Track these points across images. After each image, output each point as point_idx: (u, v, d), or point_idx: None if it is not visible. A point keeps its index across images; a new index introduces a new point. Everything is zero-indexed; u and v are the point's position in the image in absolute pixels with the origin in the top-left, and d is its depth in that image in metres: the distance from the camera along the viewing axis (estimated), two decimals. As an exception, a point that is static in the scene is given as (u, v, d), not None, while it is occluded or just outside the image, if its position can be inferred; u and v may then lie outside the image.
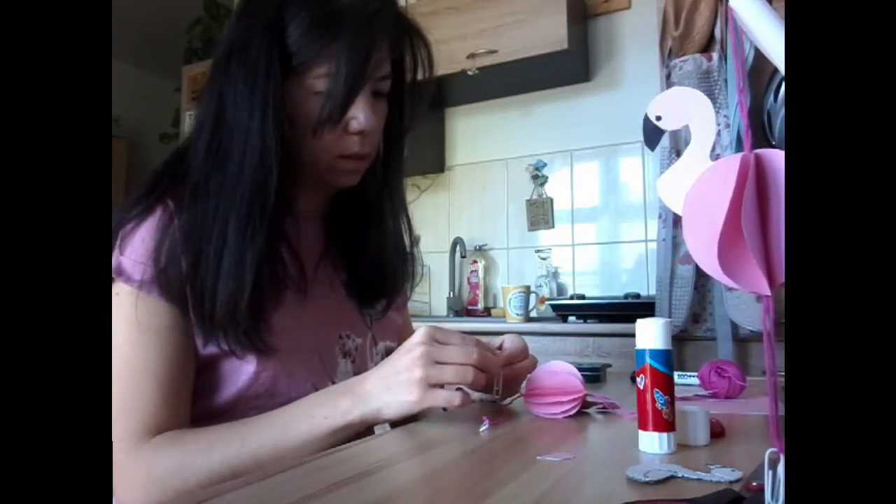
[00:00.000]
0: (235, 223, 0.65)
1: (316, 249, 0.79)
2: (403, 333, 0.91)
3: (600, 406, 0.71)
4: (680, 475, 0.45)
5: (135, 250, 0.64)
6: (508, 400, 0.76)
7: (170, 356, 0.64)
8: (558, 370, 0.70)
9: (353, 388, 0.64)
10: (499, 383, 0.70)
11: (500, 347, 0.74)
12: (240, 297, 0.64)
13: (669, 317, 1.71)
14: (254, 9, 0.69)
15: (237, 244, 0.65)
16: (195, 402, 0.68)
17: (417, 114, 0.81)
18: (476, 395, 0.80)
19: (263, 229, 0.66)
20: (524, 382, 0.73)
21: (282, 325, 0.69)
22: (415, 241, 0.87)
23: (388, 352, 0.82)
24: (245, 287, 0.64)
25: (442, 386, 0.62)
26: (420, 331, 0.64)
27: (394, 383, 0.62)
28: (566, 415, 0.68)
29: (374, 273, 0.82)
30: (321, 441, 0.61)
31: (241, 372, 0.68)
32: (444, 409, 0.79)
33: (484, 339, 0.74)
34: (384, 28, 0.70)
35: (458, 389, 0.63)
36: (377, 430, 0.81)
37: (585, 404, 0.71)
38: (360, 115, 0.70)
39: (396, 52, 0.75)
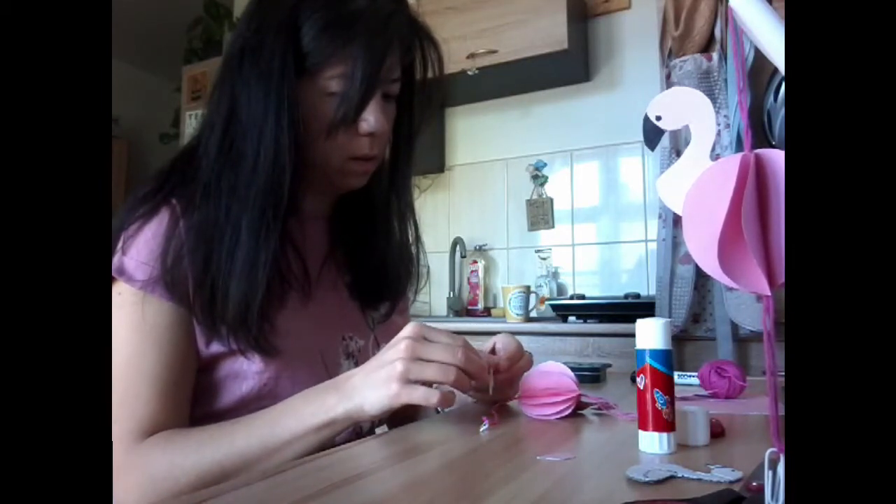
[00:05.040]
0: (248, 224, 0.65)
1: (320, 250, 0.79)
2: None
3: (595, 407, 0.71)
4: (680, 475, 0.45)
5: (139, 251, 0.64)
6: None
7: (170, 357, 0.64)
8: (551, 371, 0.70)
9: (340, 384, 0.63)
10: (491, 379, 0.69)
11: (492, 350, 0.73)
12: (252, 299, 0.64)
13: (669, 317, 1.71)
14: (266, 9, 0.69)
15: (250, 245, 0.65)
16: (198, 404, 0.68)
17: (426, 116, 0.81)
18: (470, 400, 0.80)
19: (276, 230, 0.66)
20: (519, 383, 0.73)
21: (285, 327, 0.69)
22: (418, 242, 0.87)
23: None
24: (258, 288, 0.64)
25: (430, 385, 0.61)
26: (407, 326, 0.63)
27: (375, 379, 0.61)
28: (560, 416, 0.68)
29: (379, 275, 0.82)
30: (308, 437, 0.61)
31: (245, 374, 0.68)
32: (437, 410, 0.79)
33: (481, 339, 0.74)
34: (398, 31, 0.71)
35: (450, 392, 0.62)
36: (377, 430, 0.81)
37: (581, 405, 0.70)
38: (370, 117, 0.70)
39: (408, 56, 0.75)
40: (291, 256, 0.72)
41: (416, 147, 0.82)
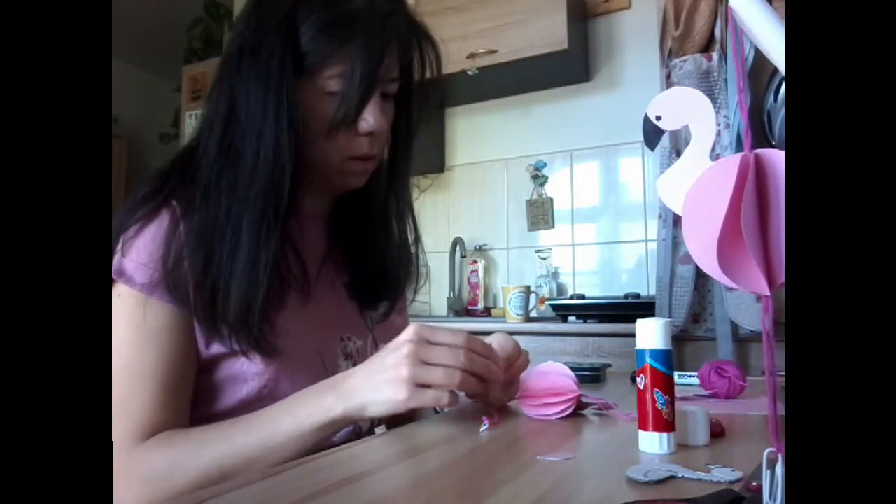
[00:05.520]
0: (249, 224, 0.65)
1: (319, 250, 0.79)
2: None
3: (595, 406, 0.71)
4: (680, 475, 0.45)
5: (138, 253, 0.64)
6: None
7: (169, 359, 0.64)
8: (551, 371, 0.70)
9: (338, 384, 0.63)
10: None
11: None
12: (253, 299, 0.64)
13: (669, 317, 1.71)
14: (265, 9, 0.69)
15: (251, 245, 0.65)
16: (198, 406, 0.68)
17: (425, 116, 0.81)
18: (470, 399, 0.79)
19: (277, 230, 0.66)
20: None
21: (285, 328, 0.69)
22: (418, 241, 0.87)
23: None
24: (259, 288, 0.64)
25: (429, 386, 0.61)
26: (409, 328, 0.62)
27: (380, 381, 0.60)
28: (560, 416, 0.68)
29: (377, 275, 0.82)
30: (306, 438, 0.61)
31: (245, 375, 0.68)
32: (436, 410, 0.79)
33: (481, 339, 0.73)
34: (396, 30, 0.71)
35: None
36: (377, 430, 0.81)
37: (581, 405, 0.70)
38: (370, 116, 0.70)
39: (406, 55, 0.76)
40: (291, 257, 0.72)
41: (414, 146, 0.82)
